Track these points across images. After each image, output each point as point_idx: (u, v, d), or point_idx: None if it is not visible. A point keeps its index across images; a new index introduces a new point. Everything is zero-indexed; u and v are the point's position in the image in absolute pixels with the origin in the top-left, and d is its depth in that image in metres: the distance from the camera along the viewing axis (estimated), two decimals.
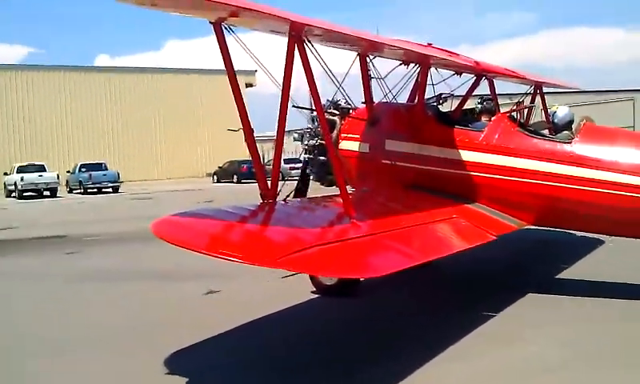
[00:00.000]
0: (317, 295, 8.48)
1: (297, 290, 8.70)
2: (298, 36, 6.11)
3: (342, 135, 9.37)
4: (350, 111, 9.53)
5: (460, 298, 8.20)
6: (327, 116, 9.41)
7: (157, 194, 36.76)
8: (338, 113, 9.58)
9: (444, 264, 8.80)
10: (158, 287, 10.08)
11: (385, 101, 9.13)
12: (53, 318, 8.31)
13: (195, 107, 62.95)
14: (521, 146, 8.01)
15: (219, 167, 52.95)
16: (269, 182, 6.58)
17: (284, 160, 51.76)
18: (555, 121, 8.36)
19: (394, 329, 7.08)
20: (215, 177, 52.72)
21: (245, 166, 49.45)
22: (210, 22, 6.06)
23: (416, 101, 9.00)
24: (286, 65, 6.30)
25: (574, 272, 9.35)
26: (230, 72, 6.37)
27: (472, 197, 8.14)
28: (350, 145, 9.29)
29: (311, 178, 9.95)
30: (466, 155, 8.25)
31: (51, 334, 7.49)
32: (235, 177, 49.58)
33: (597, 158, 7.54)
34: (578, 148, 7.69)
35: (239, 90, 6.58)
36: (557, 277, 9.18)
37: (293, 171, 50.15)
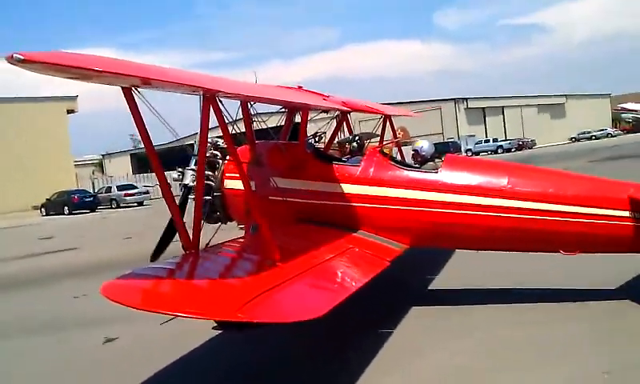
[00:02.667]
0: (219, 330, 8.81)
1: (197, 327, 9.00)
2: (210, 97, 6.58)
3: (227, 175, 9.80)
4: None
5: (356, 319, 8.93)
6: (210, 157, 9.89)
7: None
8: (218, 154, 10.01)
9: None
10: (54, 339, 9.82)
11: (265, 141, 9.76)
12: None
13: (10, 137, 58.81)
14: (394, 178, 8.99)
15: (47, 199, 50.20)
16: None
17: (117, 187, 50.56)
18: (423, 154, 9.48)
19: (307, 359, 7.70)
20: (43, 210, 49.82)
21: (76, 195, 47.52)
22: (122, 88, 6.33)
23: (287, 140, 9.74)
24: (202, 120, 6.75)
25: (447, 283, 10.47)
26: (144, 136, 6.61)
27: (355, 226, 8.98)
28: (234, 184, 9.71)
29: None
30: (347, 188, 9.08)
31: None
32: (66, 208, 47.22)
33: (459, 184, 8.71)
34: (443, 176, 8.83)
35: (154, 154, 6.84)
36: (430, 288, 10.32)
37: (127, 198, 49.15)
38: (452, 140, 74.35)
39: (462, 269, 10.91)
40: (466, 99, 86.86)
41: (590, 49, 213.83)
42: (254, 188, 9.61)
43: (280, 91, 9.36)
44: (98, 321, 10.49)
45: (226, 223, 10.31)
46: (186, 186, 10.18)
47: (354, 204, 9.02)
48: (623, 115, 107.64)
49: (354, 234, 8.76)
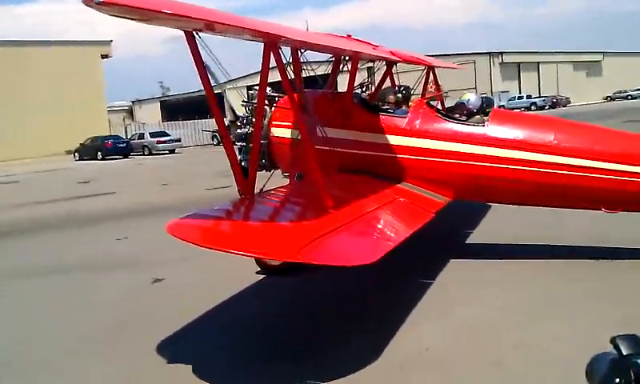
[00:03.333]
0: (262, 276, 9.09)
1: (239, 271, 9.17)
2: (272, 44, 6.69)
3: (273, 122, 9.94)
4: (278, 99, 10.12)
5: (401, 267, 9.08)
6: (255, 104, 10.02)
7: (22, 177, 34.92)
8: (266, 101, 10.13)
9: None
10: (102, 279, 10.16)
11: (312, 90, 9.85)
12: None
13: (43, 82, 59.31)
14: (441, 130, 9.06)
15: (80, 144, 51.00)
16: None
17: (150, 133, 51.05)
18: (469, 106, 9.49)
19: (354, 302, 7.94)
20: (77, 154, 50.63)
21: (109, 141, 48.18)
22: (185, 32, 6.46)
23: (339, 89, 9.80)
24: (262, 66, 6.89)
25: (484, 237, 10.60)
26: (205, 81, 6.76)
27: (400, 177, 9.09)
28: (281, 132, 9.88)
29: (242, 164, 10.40)
30: (393, 139, 9.17)
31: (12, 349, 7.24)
32: (99, 153, 47.92)
33: (506, 138, 8.74)
34: (490, 130, 8.87)
35: (214, 98, 6.99)
36: (468, 242, 10.46)
37: (160, 145, 49.67)
38: (485, 95, 73.22)
39: (499, 223, 11.02)
40: (501, 53, 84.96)
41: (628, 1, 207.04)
42: (300, 137, 9.81)
43: (336, 40, 9.35)
44: (143, 262, 10.92)
45: (270, 171, 10.47)
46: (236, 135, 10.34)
47: (400, 155, 9.12)
48: None
49: (399, 185, 8.88)
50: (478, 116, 9.34)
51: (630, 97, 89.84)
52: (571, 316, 6.74)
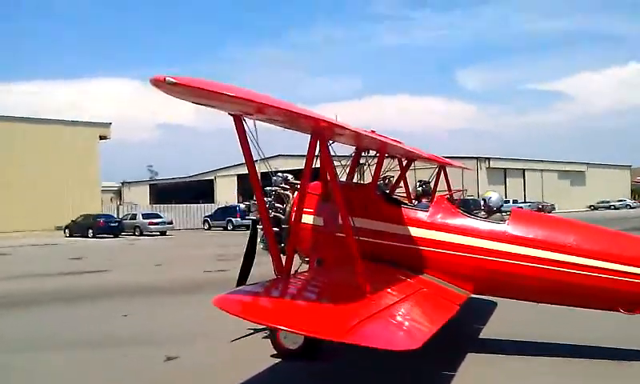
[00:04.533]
0: (278, 359, 9.04)
1: (253, 354, 9.34)
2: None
3: (295, 208, 10.12)
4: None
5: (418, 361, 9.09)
6: (279, 190, 10.25)
7: (12, 250, 34.56)
8: (288, 187, 10.36)
9: None
10: (113, 354, 9.98)
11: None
12: None
13: (35, 158, 59.55)
14: (462, 225, 9.29)
15: (72, 221, 50.75)
16: None
17: (142, 215, 51.15)
18: (490, 204, 9.79)
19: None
20: (67, 231, 50.33)
21: (102, 220, 48.16)
22: (230, 114, 6.73)
23: (368, 181, 10.07)
24: (308, 157, 7.12)
25: (496, 332, 10.66)
26: (249, 160, 6.98)
27: (420, 268, 9.23)
28: (304, 217, 10.04)
29: (261, 246, 10.50)
30: (415, 231, 9.36)
31: None
32: (90, 231, 47.67)
33: (526, 237, 8.97)
34: (511, 228, 9.11)
35: (257, 179, 7.18)
36: (481, 337, 10.50)
37: (152, 226, 49.68)
38: (472, 198, 74.35)
39: (508, 319, 11.10)
40: (489, 159, 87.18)
41: (610, 119, 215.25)
42: (322, 223, 10.00)
43: (381, 137, 9.66)
44: (152, 340, 10.81)
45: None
46: (253, 220, 10.51)
47: (421, 247, 9.29)
48: None
49: (421, 276, 9.01)
50: (499, 214, 9.62)
51: (612, 207, 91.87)
52: None
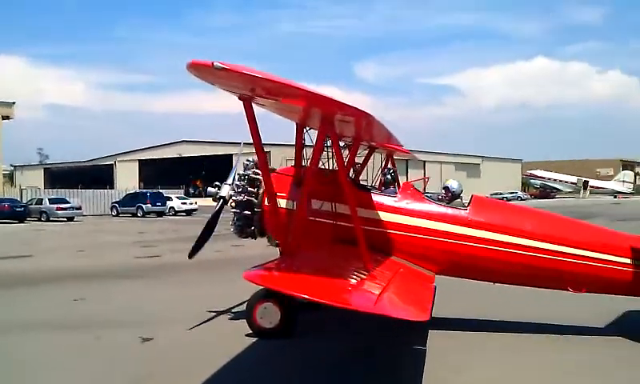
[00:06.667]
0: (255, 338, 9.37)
1: (226, 333, 9.79)
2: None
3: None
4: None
5: (395, 335, 9.65)
6: (252, 174, 10.52)
7: None
8: (260, 172, 10.64)
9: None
10: (85, 337, 9.90)
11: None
12: None
13: None
14: (429, 211, 9.99)
15: None
16: None
17: (49, 199, 49.11)
18: (452, 191, 10.56)
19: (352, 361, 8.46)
20: None
21: (6, 204, 46.01)
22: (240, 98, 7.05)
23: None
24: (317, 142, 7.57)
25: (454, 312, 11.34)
26: (258, 144, 7.32)
27: (389, 251, 9.83)
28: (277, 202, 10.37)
29: (232, 230, 10.74)
30: (385, 216, 9.96)
31: None
32: None
33: (487, 221, 9.79)
34: (472, 214, 9.90)
35: (266, 163, 7.52)
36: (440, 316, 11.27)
37: (59, 211, 47.82)
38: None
39: (465, 299, 11.97)
40: None
41: (500, 115, 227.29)
42: (293, 207, 10.38)
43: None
44: (121, 322, 10.87)
45: (256, 238, 10.90)
46: (223, 197, 10.69)
47: (391, 231, 9.90)
48: (532, 181, 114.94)
49: (393, 259, 9.62)
50: (459, 200, 10.41)
51: (505, 199, 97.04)
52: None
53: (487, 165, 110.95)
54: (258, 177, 10.53)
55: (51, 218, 47.39)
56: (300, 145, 10.15)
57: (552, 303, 11.02)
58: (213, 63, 5.37)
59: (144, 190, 59.94)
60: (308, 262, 7.52)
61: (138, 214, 53.30)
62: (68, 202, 49.61)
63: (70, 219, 48.20)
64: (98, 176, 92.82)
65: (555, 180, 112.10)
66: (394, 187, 10.83)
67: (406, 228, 9.90)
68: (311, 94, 6.30)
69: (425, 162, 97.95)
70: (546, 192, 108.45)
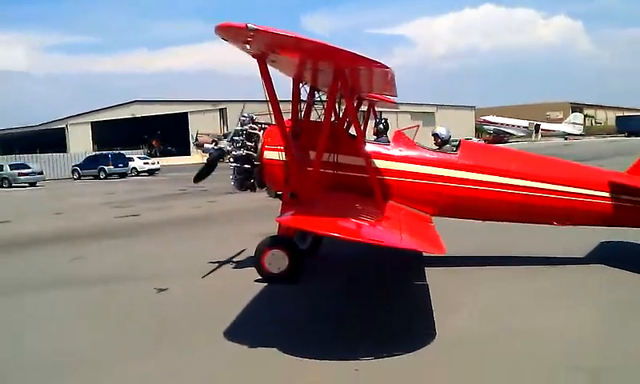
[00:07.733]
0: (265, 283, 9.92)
1: (236, 280, 10.35)
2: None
3: (265, 146, 10.90)
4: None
5: (396, 275, 10.44)
6: (249, 129, 10.97)
7: None
8: (256, 127, 11.09)
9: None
10: (99, 293, 10.30)
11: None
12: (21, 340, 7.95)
13: None
14: (421, 156, 10.66)
15: None
16: None
17: (10, 165, 48.25)
18: (441, 137, 11.24)
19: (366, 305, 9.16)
20: None
21: None
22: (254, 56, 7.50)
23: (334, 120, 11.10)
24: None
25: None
26: (274, 104, 7.80)
27: (389, 197, 10.46)
28: (273, 154, 10.86)
29: (232, 183, 11.20)
30: (381, 164, 10.58)
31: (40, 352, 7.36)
32: None
33: (476, 164, 10.51)
34: (462, 157, 10.61)
35: (282, 118, 8.03)
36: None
37: (21, 177, 47.14)
38: None
39: (458, 238, 12.70)
40: None
41: (449, 63, 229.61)
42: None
43: None
44: (129, 276, 11.35)
45: (254, 191, 11.42)
46: (221, 148, 11.12)
47: (387, 177, 10.54)
48: (485, 127, 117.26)
49: (392, 203, 10.28)
50: (449, 145, 11.10)
51: None
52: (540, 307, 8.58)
53: (442, 113, 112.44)
54: (255, 132, 10.98)
55: (13, 184, 46.84)
56: (297, 99, 10.64)
57: (538, 238, 11.93)
58: (247, 25, 5.75)
59: (105, 152, 59.24)
60: (332, 207, 8.11)
61: (101, 176, 52.93)
62: (29, 167, 48.97)
63: (33, 184, 47.74)
64: (50, 141, 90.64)
65: (508, 125, 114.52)
66: (386, 136, 11.40)
67: (402, 174, 10.54)
68: (341, 52, 6.81)
69: (381, 111, 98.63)
70: (500, 137, 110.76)
